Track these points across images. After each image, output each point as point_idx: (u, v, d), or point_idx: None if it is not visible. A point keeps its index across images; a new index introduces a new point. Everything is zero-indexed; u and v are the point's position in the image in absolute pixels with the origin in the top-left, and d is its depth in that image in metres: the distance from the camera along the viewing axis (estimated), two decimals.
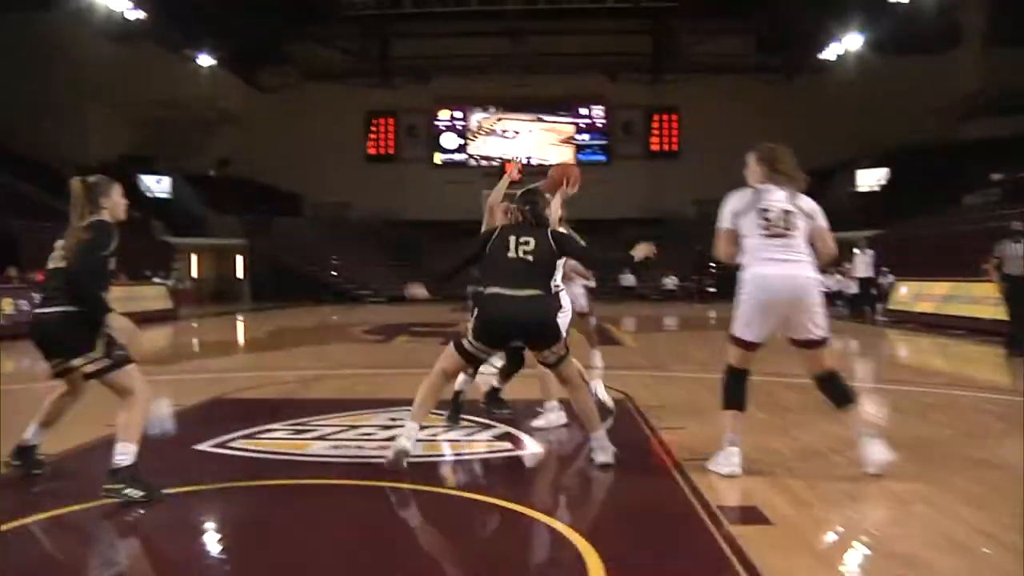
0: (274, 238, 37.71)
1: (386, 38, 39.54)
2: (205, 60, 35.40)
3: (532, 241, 4.68)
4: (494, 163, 39.86)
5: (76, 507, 3.98)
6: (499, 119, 41.87)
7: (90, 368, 4.14)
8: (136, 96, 35.29)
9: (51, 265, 4.27)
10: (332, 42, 38.55)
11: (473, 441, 5.58)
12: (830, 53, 34.96)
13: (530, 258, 4.64)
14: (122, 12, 29.81)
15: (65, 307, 4.13)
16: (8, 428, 4.98)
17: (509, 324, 4.65)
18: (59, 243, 4.26)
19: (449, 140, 41.57)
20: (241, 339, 18.42)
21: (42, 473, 4.51)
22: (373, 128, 41.63)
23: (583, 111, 42.04)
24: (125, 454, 3.99)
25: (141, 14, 30.27)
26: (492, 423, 6.02)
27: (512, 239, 4.69)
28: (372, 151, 41.54)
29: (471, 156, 41.61)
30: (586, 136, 42.17)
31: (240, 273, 38.38)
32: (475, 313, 4.83)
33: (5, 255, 21.62)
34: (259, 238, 37.16)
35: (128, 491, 3.92)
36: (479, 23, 36.91)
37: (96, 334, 4.12)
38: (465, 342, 4.68)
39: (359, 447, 5.31)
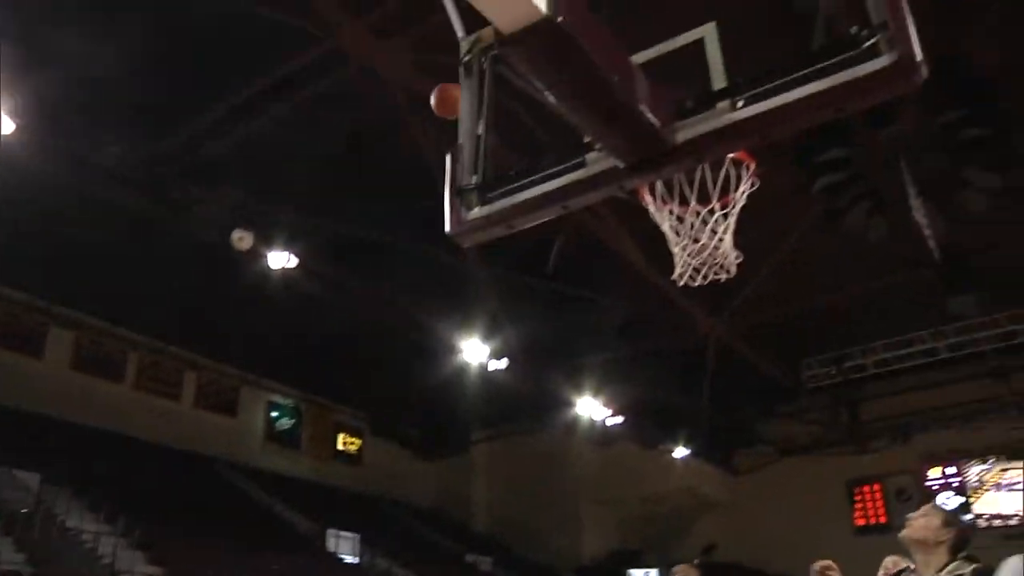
0: None
1: (855, 403, 38.63)
2: (679, 452, 37.52)
3: None
4: (1009, 522, 34.88)
5: None
6: (1003, 470, 37.14)
7: None
8: (621, 493, 38.38)
9: None
10: (802, 416, 38.63)
11: None
12: None
13: None
14: (604, 420, 33.75)
15: None
16: None
17: None
18: None
19: (946, 500, 37.49)
20: None
21: None
22: (857, 497, 39.25)
23: None
24: None
25: (619, 419, 33.95)
26: None
27: None
28: (860, 522, 38.75)
29: (978, 516, 36.80)
30: None
31: None
32: None
33: None
34: None
35: None
36: (952, 370, 34.66)
37: None
38: None
39: None
